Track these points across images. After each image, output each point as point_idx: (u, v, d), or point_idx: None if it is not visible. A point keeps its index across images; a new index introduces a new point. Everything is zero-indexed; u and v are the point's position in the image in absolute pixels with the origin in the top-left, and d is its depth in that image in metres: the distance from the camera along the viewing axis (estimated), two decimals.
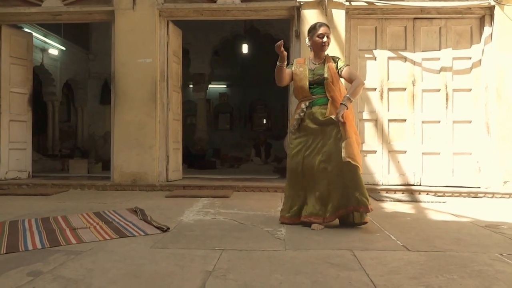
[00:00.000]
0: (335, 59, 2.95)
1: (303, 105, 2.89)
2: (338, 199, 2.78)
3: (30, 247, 2.28)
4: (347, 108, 2.75)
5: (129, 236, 2.54)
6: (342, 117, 2.70)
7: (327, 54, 2.97)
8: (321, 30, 2.86)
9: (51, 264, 1.97)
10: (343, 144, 2.71)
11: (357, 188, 2.75)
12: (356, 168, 2.75)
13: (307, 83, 2.88)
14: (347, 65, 2.93)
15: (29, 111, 5.75)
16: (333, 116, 2.74)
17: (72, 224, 2.86)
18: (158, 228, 2.73)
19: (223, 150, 10.71)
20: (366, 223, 2.83)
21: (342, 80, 3.02)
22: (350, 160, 2.70)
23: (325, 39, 2.86)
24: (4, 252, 2.18)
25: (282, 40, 2.77)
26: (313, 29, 2.91)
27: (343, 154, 2.69)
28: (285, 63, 2.83)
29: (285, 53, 2.77)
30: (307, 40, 2.96)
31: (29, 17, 5.38)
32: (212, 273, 1.82)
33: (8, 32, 5.47)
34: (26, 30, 6.63)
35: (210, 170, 7.35)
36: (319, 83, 2.86)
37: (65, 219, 3.03)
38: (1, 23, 5.35)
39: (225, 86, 13.32)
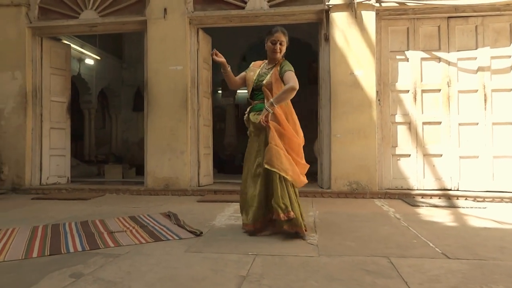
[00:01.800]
0: (283, 64, 2.83)
1: (247, 110, 2.95)
2: (260, 206, 2.75)
3: (71, 249, 2.37)
4: (269, 112, 2.68)
5: (163, 240, 2.59)
6: (265, 121, 2.68)
7: (281, 59, 2.88)
8: (275, 36, 2.81)
9: (91, 266, 2.04)
10: (270, 149, 2.67)
11: (273, 194, 2.66)
12: (274, 174, 2.65)
13: (251, 89, 2.91)
14: (291, 70, 2.78)
15: (68, 119, 6.02)
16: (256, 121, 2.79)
17: (109, 227, 2.96)
18: (191, 232, 2.77)
19: None
20: (297, 232, 2.63)
21: None
22: (267, 166, 2.65)
23: (277, 45, 2.81)
24: (48, 254, 2.28)
25: (214, 50, 2.89)
26: (268, 33, 2.85)
27: (264, 160, 2.68)
28: (228, 68, 2.94)
29: (223, 59, 2.88)
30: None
31: (68, 29, 5.64)
32: (246, 278, 1.83)
33: (49, 44, 5.76)
34: (65, 41, 6.96)
35: (240, 175, 7.37)
36: (257, 88, 2.88)
37: (102, 223, 3.14)
38: (42, 36, 5.65)
39: None
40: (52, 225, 3.07)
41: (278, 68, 2.83)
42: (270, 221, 2.78)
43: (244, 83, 3.03)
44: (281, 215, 2.60)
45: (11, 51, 5.47)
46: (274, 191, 2.65)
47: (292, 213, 2.61)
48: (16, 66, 5.46)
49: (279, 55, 2.85)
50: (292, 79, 2.71)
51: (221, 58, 2.89)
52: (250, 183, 2.82)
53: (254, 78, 2.90)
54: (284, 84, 2.73)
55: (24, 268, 2.03)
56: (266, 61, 2.97)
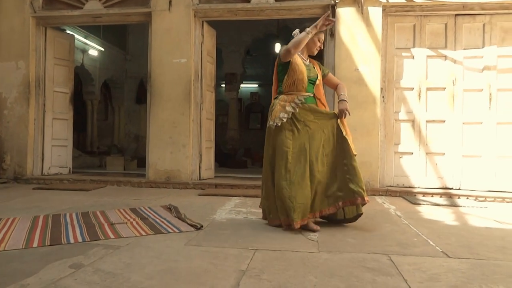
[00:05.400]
0: (317, 63, 3.06)
1: (296, 99, 2.79)
2: (336, 191, 2.79)
3: (71, 240, 2.38)
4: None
5: (164, 233, 2.59)
6: (347, 112, 2.83)
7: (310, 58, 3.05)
8: (322, 36, 2.94)
9: (91, 257, 2.04)
10: (350, 139, 2.81)
11: (355, 180, 2.75)
12: (354, 159, 2.80)
13: (306, 77, 2.82)
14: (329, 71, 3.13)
15: (70, 110, 6.02)
16: (335, 112, 2.91)
17: (110, 219, 2.97)
18: (191, 225, 2.77)
19: (254, 149, 10.73)
20: (361, 214, 2.83)
21: None
22: (353, 149, 2.78)
23: (320, 44, 2.96)
24: (48, 244, 2.29)
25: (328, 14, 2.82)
26: (315, 27, 2.77)
27: (353, 150, 2.78)
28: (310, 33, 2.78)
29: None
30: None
31: (72, 19, 5.62)
32: (246, 273, 1.83)
33: (52, 34, 5.75)
34: (68, 32, 6.94)
35: (241, 169, 7.39)
36: (311, 81, 2.88)
37: (103, 214, 3.15)
38: (46, 26, 5.63)
39: (256, 85, 13.35)
40: (53, 216, 3.08)
41: (317, 67, 3.01)
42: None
43: (292, 56, 2.79)
44: (366, 198, 2.73)
45: (15, 41, 5.46)
46: (356, 175, 2.74)
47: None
48: (19, 55, 5.45)
49: (317, 51, 2.98)
50: (337, 79, 3.18)
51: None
52: (320, 173, 2.76)
53: (305, 68, 2.85)
54: (326, 83, 3.09)
55: (24, 258, 2.03)
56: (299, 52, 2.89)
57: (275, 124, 2.76)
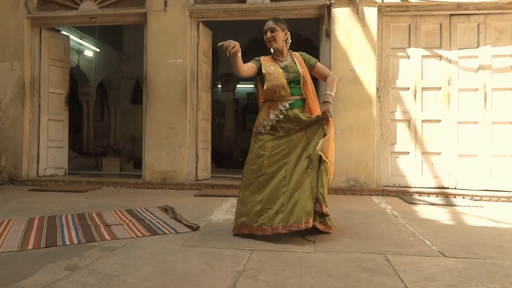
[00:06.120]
0: (302, 55, 2.79)
1: (281, 106, 2.63)
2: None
3: (67, 242, 2.36)
4: (331, 104, 2.61)
5: (160, 234, 2.58)
6: (330, 114, 2.58)
7: (290, 50, 2.78)
8: (264, 27, 2.68)
9: (87, 259, 2.03)
10: (322, 138, 2.55)
11: (317, 185, 2.52)
12: (324, 164, 2.52)
13: (285, 81, 2.63)
14: (318, 61, 2.80)
15: (66, 111, 5.99)
16: (318, 115, 2.62)
17: (106, 220, 2.95)
18: (188, 226, 2.76)
19: None
20: (324, 232, 2.58)
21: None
22: (322, 154, 2.50)
23: (268, 34, 2.66)
24: (44, 246, 2.27)
25: (221, 43, 2.41)
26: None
27: (318, 147, 2.51)
28: (239, 54, 2.45)
29: (231, 42, 2.38)
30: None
31: (67, 20, 5.60)
32: (242, 273, 1.82)
33: (47, 35, 5.71)
34: (64, 33, 6.90)
35: (238, 170, 7.37)
36: (294, 81, 2.66)
37: (99, 216, 3.13)
38: (40, 27, 5.60)
39: (253, 86, 13.35)
40: (49, 217, 3.06)
41: (300, 58, 2.75)
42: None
43: (252, 73, 2.69)
44: (324, 208, 2.46)
45: (10, 42, 5.43)
46: (323, 181, 2.50)
47: (328, 209, 2.50)
48: (14, 56, 5.42)
49: (275, 43, 2.67)
50: (327, 70, 2.84)
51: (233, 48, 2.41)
52: (296, 182, 2.53)
53: (281, 71, 2.65)
54: (316, 75, 2.79)
55: (19, 260, 2.02)
56: (270, 56, 2.77)
57: (258, 130, 2.68)
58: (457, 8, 4.76)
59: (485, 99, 4.74)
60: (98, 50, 9.10)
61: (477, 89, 4.76)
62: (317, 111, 2.70)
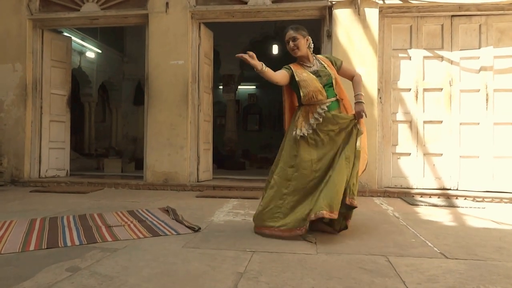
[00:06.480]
0: (327, 57, 2.92)
1: (319, 109, 2.71)
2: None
3: (68, 243, 2.37)
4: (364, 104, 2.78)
5: (161, 235, 2.58)
6: (364, 113, 2.73)
7: (314, 55, 2.85)
8: (286, 37, 2.79)
9: (88, 260, 2.03)
10: (359, 137, 2.71)
11: (349, 178, 2.62)
12: (358, 161, 2.68)
13: (320, 86, 2.71)
14: (342, 60, 2.95)
15: (68, 112, 6.00)
16: (353, 114, 2.75)
17: (107, 221, 2.95)
18: (189, 228, 2.76)
19: (252, 151, 10.73)
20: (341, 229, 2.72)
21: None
22: (361, 150, 2.69)
23: (291, 44, 2.76)
24: (45, 247, 2.28)
25: (240, 54, 2.54)
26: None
27: (357, 146, 2.67)
28: (263, 66, 2.59)
29: (253, 61, 2.52)
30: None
31: (69, 21, 5.61)
32: (243, 275, 1.82)
33: (49, 36, 5.73)
34: (65, 34, 6.92)
35: (239, 171, 7.38)
36: (327, 84, 2.75)
37: (101, 217, 3.13)
38: (42, 28, 5.62)
39: (254, 87, 13.36)
40: (50, 218, 3.07)
41: (327, 61, 2.85)
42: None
43: (287, 81, 2.77)
44: (355, 201, 2.58)
45: (12, 43, 5.45)
46: (355, 176, 2.63)
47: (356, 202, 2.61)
48: (16, 58, 5.44)
49: (299, 51, 2.75)
50: (353, 68, 2.99)
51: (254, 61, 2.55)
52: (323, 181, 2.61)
53: (314, 76, 2.73)
54: (342, 74, 2.90)
55: (20, 261, 2.02)
56: (297, 63, 2.83)
57: (299, 134, 2.71)
58: (459, 9, 4.75)
59: (486, 100, 4.73)
60: (100, 51, 9.12)
61: (479, 90, 4.75)
62: (351, 109, 2.84)
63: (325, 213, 2.44)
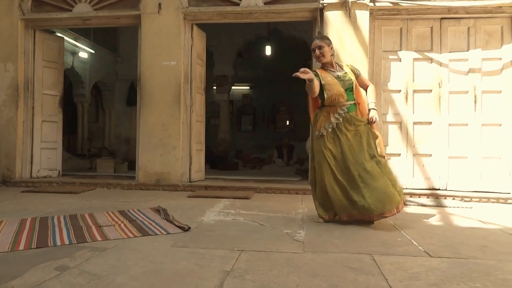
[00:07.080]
0: (349, 65, 3.26)
1: (340, 110, 3.04)
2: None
3: (58, 242, 2.38)
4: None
5: (151, 235, 2.61)
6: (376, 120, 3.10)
7: (336, 62, 3.22)
8: (312, 45, 3.15)
9: (77, 259, 2.05)
10: (377, 142, 3.04)
11: (389, 182, 3.00)
12: (388, 163, 3.14)
13: (343, 90, 3.05)
14: (360, 71, 3.32)
15: (60, 112, 5.99)
16: (367, 118, 3.10)
17: (98, 221, 2.97)
18: (179, 227, 2.79)
19: (245, 151, 10.76)
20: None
21: None
22: (384, 156, 3.06)
23: (316, 51, 3.11)
24: (35, 246, 2.29)
25: (295, 74, 2.80)
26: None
27: (379, 152, 3.01)
28: (315, 79, 2.92)
29: (308, 76, 2.80)
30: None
31: (61, 22, 5.61)
32: (230, 273, 1.86)
33: (41, 36, 5.72)
34: (58, 34, 6.91)
35: (232, 171, 7.41)
36: (348, 88, 3.08)
37: (91, 217, 3.15)
38: (35, 28, 5.61)
39: (248, 87, 13.39)
40: (41, 218, 3.08)
41: (350, 70, 3.18)
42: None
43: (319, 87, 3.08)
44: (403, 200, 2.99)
45: (3, 43, 5.43)
46: (394, 179, 3.02)
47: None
48: (8, 58, 5.42)
49: (324, 58, 3.11)
50: (367, 79, 3.34)
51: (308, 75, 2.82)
52: (361, 176, 2.93)
53: (337, 81, 3.06)
54: (359, 83, 3.21)
55: (9, 261, 2.04)
56: (322, 68, 3.17)
57: (320, 133, 3.07)
58: (448, 12, 4.82)
59: (475, 101, 4.81)
60: (93, 51, 9.11)
61: (467, 91, 4.83)
62: (366, 114, 3.15)
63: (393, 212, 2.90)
